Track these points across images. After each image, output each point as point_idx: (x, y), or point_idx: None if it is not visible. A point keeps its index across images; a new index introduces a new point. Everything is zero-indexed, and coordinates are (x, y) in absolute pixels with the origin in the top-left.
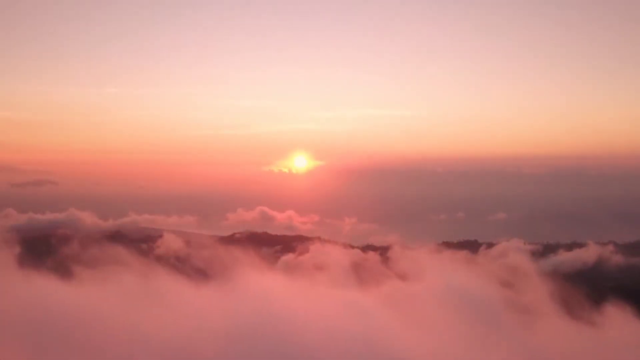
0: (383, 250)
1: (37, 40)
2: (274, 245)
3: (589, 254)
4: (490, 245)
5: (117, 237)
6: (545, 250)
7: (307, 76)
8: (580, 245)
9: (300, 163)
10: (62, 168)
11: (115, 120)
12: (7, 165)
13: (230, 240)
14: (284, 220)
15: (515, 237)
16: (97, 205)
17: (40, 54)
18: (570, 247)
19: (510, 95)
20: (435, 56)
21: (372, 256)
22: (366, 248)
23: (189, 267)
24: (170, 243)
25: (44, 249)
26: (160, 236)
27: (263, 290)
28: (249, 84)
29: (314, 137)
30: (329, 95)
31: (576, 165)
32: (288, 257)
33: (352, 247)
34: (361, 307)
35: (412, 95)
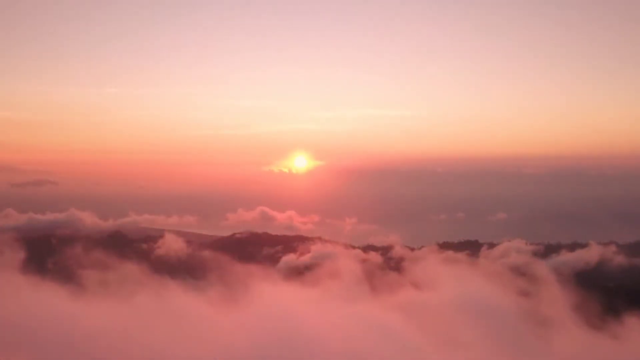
0: (384, 251)
1: (37, 40)
2: (275, 245)
3: (591, 255)
4: (491, 245)
5: (117, 237)
6: (547, 250)
7: (307, 76)
8: (582, 245)
9: (300, 163)
10: (62, 168)
11: (115, 120)
12: (7, 165)
13: (231, 240)
14: (285, 221)
15: (516, 238)
16: (97, 205)
17: (41, 54)
18: (572, 247)
19: (511, 95)
20: (435, 56)
21: (374, 256)
22: (367, 248)
23: (190, 267)
24: (171, 243)
25: (44, 249)
26: (161, 236)
27: (275, 301)
28: (249, 84)
29: (314, 137)
30: (329, 95)
31: (577, 165)
32: (289, 257)
33: (353, 247)
34: (375, 319)
35: (412, 96)
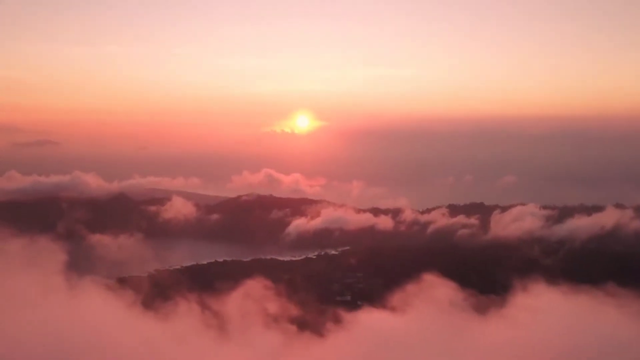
0: (393, 214)
1: None
2: (282, 208)
3: (606, 219)
4: (502, 209)
5: (122, 199)
6: (561, 214)
7: (310, 35)
8: (597, 209)
9: (302, 123)
10: (64, 128)
11: (116, 79)
12: (8, 126)
13: (237, 202)
14: (291, 184)
15: (526, 200)
16: (100, 166)
17: (42, 12)
18: (588, 211)
19: (517, 55)
20: (440, 15)
21: (384, 220)
22: (376, 211)
23: (199, 229)
24: (178, 205)
25: (52, 213)
26: (167, 198)
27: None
28: (250, 43)
29: (317, 97)
30: (331, 55)
31: (584, 126)
32: (300, 221)
33: (362, 210)
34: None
35: (416, 55)
